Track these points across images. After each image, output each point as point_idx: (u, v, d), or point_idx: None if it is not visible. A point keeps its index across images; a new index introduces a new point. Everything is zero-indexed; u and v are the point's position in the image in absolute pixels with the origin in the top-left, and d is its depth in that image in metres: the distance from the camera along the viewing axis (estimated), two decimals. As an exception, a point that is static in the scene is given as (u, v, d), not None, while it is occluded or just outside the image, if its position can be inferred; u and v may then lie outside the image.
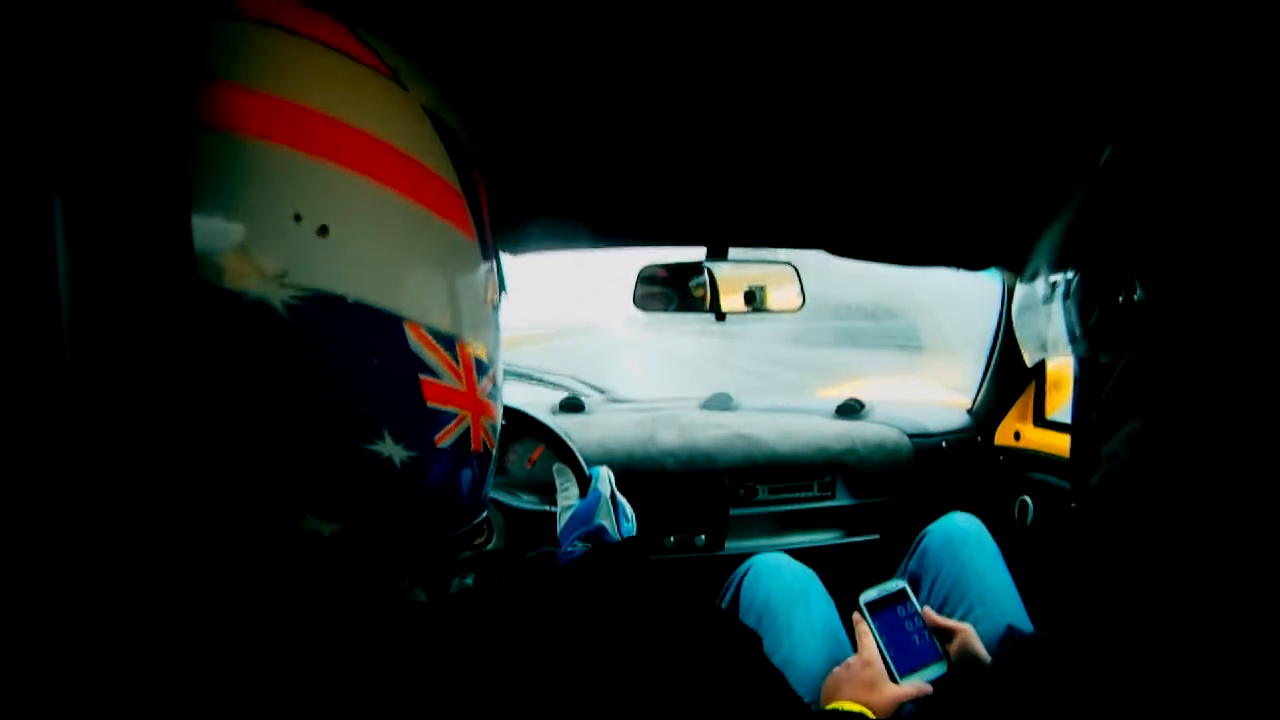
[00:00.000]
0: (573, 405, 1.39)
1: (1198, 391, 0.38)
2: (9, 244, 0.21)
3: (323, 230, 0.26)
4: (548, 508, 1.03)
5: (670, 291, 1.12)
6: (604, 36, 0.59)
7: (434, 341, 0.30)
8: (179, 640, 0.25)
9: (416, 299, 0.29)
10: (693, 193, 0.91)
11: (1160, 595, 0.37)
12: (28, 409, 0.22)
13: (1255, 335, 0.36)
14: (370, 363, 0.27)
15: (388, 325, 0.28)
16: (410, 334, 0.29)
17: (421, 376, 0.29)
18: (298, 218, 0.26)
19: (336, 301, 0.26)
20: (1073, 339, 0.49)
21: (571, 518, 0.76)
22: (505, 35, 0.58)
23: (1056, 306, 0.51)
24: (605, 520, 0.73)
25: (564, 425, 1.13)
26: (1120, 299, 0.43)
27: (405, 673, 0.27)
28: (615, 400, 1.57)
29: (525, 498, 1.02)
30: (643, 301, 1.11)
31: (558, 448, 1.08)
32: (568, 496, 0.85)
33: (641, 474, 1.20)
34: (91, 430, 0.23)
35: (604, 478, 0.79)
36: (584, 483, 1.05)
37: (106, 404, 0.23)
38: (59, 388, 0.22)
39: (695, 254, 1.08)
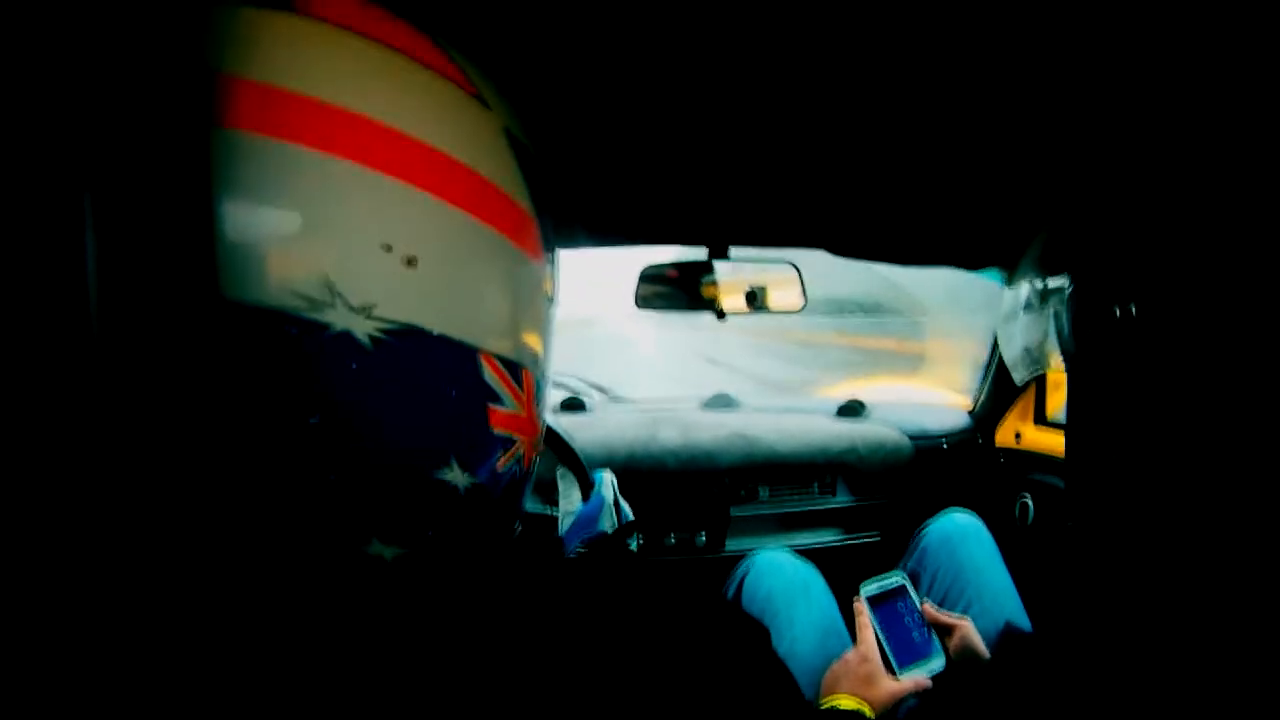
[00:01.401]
0: (574, 404, 1.39)
1: (1180, 403, 0.39)
2: (60, 262, 0.21)
3: (411, 261, 0.25)
4: (549, 510, 1.03)
5: (671, 291, 1.12)
6: (605, 36, 0.59)
7: (503, 370, 0.30)
8: (214, 648, 0.25)
9: (491, 329, 0.29)
10: (694, 192, 0.91)
11: (1148, 600, 0.37)
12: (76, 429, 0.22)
13: (1235, 347, 0.37)
14: (447, 394, 0.27)
15: (465, 357, 0.28)
16: (484, 364, 0.29)
17: (489, 405, 0.30)
18: (388, 248, 0.25)
19: (420, 334, 0.26)
20: (1064, 353, 0.49)
21: (574, 523, 0.77)
22: (506, 34, 0.58)
23: (1041, 319, 0.51)
24: (608, 525, 0.73)
25: (565, 425, 1.13)
26: (1110, 315, 0.43)
27: (413, 654, 0.27)
28: (617, 399, 1.57)
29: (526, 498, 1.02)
30: (644, 301, 1.11)
31: (559, 449, 1.08)
32: (570, 501, 0.85)
33: (642, 473, 1.20)
34: (151, 449, 0.23)
35: (607, 482, 0.79)
36: (586, 486, 1.05)
37: (171, 429, 0.23)
38: (119, 418, 0.22)
39: (696, 253, 1.09)
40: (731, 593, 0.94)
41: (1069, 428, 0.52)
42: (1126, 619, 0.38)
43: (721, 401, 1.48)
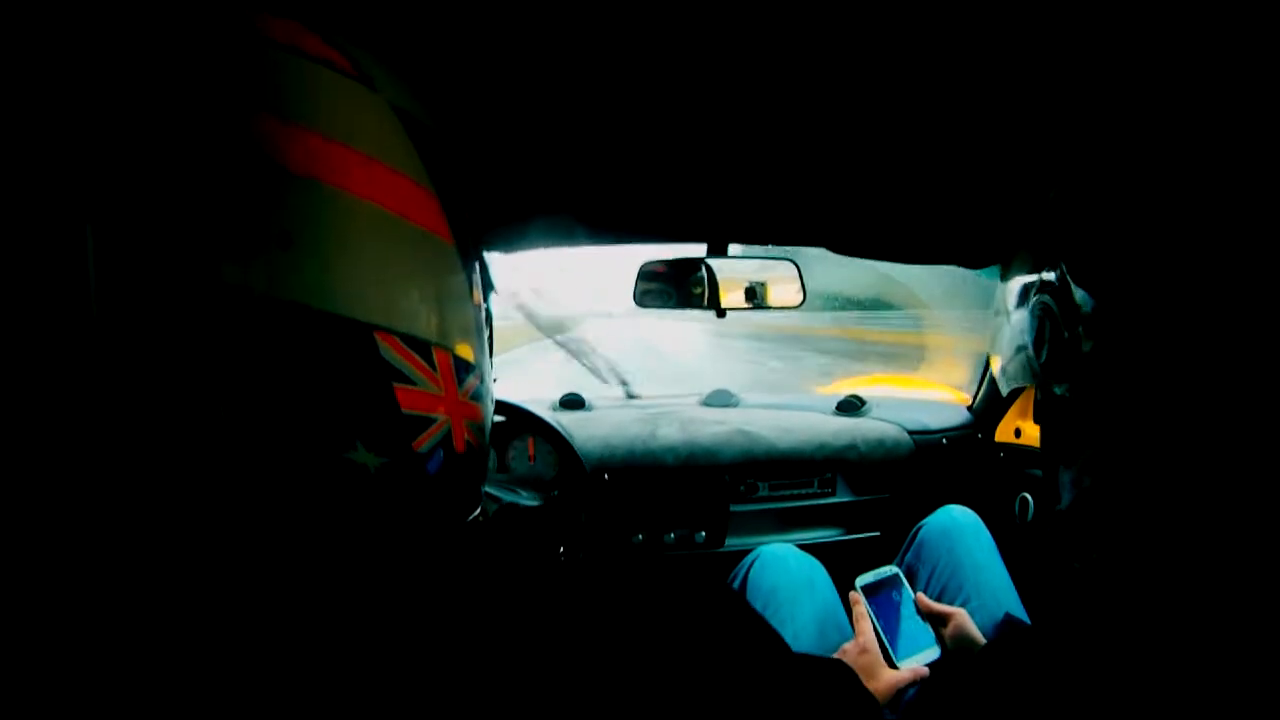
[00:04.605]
0: (573, 402, 1.39)
1: (1144, 419, 0.40)
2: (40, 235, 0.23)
3: (283, 241, 0.26)
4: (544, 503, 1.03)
5: (671, 288, 1.12)
6: (604, 32, 0.59)
7: (406, 348, 0.30)
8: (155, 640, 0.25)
9: (387, 306, 0.29)
10: (693, 190, 0.91)
11: (1135, 600, 0.38)
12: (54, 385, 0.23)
13: (1198, 363, 0.37)
14: (338, 373, 0.28)
15: (356, 334, 0.28)
16: (382, 342, 0.29)
17: (396, 385, 0.29)
18: (260, 227, 0.25)
19: (300, 310, 0.26)
20: (1032, 373, 0.50)
21: None
22: (504, 31, 0.58)
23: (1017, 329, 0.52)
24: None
25: (564, 422, 1.13)
26: (1067, 335, 0.44)
27: (400, 640, 0.27)
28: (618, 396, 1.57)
29: (525, 494, 1.02)
30: (643, 298, 1.11)
31: (556, 444, 1.08)
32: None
33: (642, 470, 1.20)
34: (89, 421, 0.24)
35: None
36: (582, 479, 1.06)
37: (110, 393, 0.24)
38: (87, 371, 0.24)
39: (695, 250, 1.09)
40: (736, 585, 0.94)
41: (1041, 448, 0.52)
42: (1123, 608, 0.39)
43: (721, 398, 1.48)
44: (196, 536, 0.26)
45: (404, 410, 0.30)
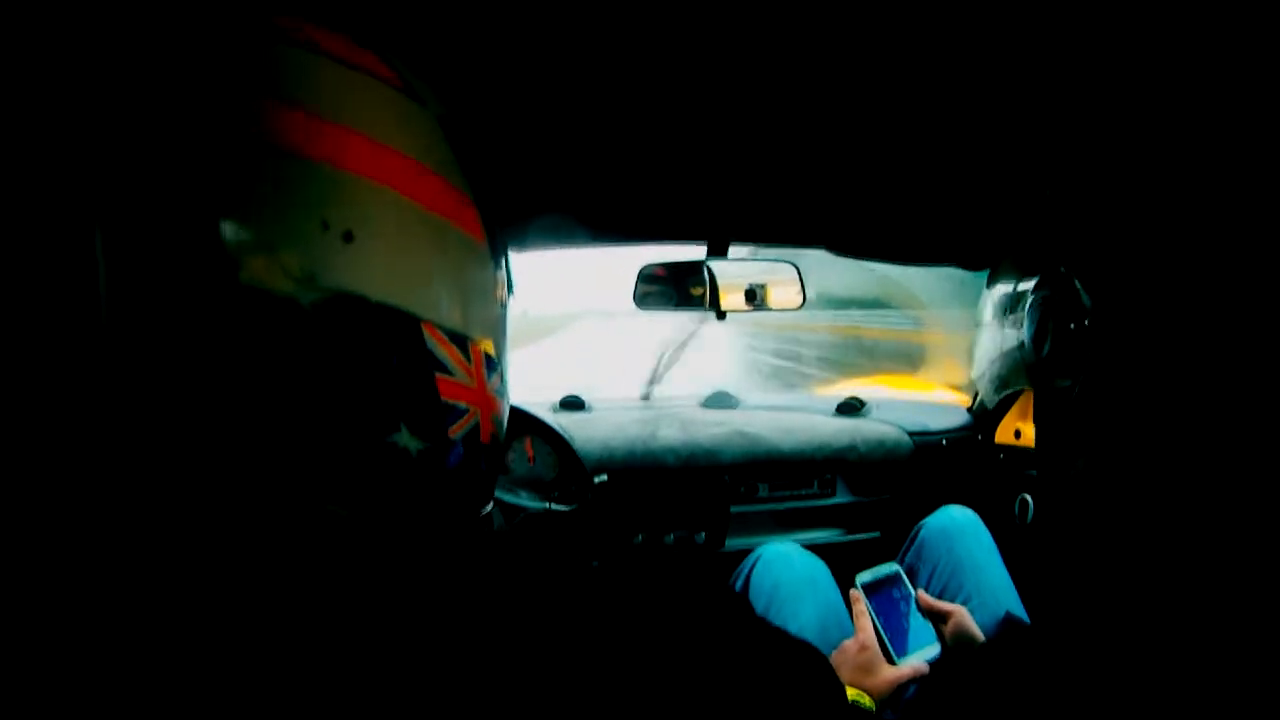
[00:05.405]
0: (573, 404, 1.39)
1: (1149, 416, 0.40)
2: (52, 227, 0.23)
3: (347, 236, 0.28)
4: (548, 505, 1.03)
5: (671, 289, 1.12)
6: (605, 33, 0.59)
7: (448, 341, 0.32)
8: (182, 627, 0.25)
9: (433, 301, 0.32)
10: (693, 190, 0.91)
11: (1134, 600, 0.38)
12: (70, 386, 0.24)
13: (1196, 368, 0.37)
14: (390, 360, 0.30)
15: (407, 325, 0.30)
16: (427, 334, 0.31)
17: (437, 374, 0.32)
18: (325, 225, 0.28)
19: (359, 301, 0.29)
20: (1029, 369, 0.50)
21: None
22: (506, 32, 0.58)
23: (1007, 333, 0.52)
24: None
25: (564, 423, 1.13)
26: (1073, 326, 0.44)
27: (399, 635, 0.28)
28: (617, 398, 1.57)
29: (524, 494, 1.03)
30: (643, 300, 1.12)
31: (557, 446, 1.08)
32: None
33: (642, 471, 1.20)
34: (128, 416, 0.25)
35: None
36: (583, 480, 1.06)
37: (144, 392, 0.25)
38: (98, 369, 0.24)
39: (695, 252, 1.09)
40: (739, 585, 0.95)
41: (1036, 443, 0.52)
42: (1123, 608, 0.39)
43: (721, 399, 1.49)
44: (235, 521, 0.27)
45: (443, 399, 0.32)
